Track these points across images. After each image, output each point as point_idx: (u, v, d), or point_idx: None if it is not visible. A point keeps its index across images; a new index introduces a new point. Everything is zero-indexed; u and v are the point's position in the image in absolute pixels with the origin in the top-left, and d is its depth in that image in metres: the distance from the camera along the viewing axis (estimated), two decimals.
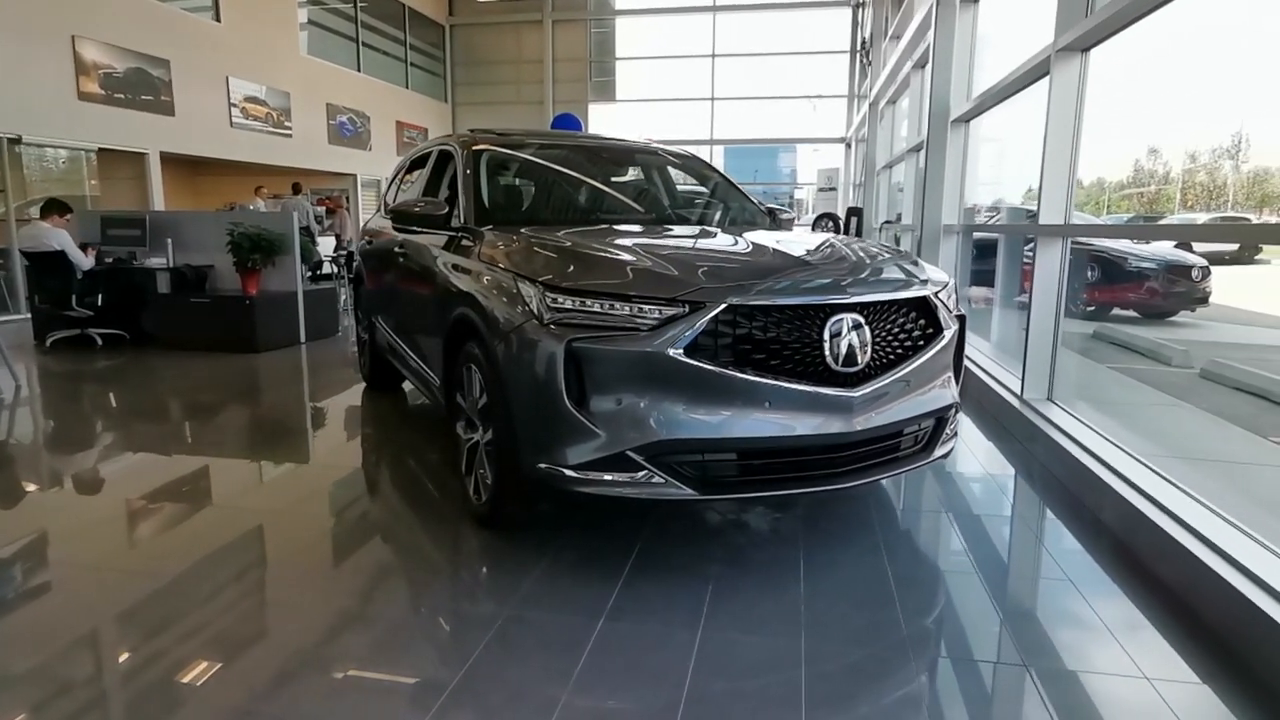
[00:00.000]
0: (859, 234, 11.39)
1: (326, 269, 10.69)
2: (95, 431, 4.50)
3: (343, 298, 8.58)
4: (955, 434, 2.85)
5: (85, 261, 6.65)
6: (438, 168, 3.92)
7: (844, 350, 2.32)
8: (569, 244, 2.71)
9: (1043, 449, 3.62)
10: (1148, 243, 7.12)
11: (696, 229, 3.50)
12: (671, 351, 2.20)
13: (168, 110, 11.32)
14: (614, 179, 4.12)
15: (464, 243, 3.07)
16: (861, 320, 2.37)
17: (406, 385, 5.04)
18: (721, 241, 3.05)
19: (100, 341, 6.86)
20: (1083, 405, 3.88)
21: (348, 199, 16.09)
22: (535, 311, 2.36)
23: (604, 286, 2.33)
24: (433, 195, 3.76)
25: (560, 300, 2.32)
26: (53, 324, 6.93)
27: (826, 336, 2.31)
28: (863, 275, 2.53)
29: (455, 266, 3.02)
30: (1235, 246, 6.86)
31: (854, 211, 12.00)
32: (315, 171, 15.18)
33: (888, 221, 11.26)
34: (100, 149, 10.43)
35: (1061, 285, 3.84)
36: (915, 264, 2.82)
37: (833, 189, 18.13)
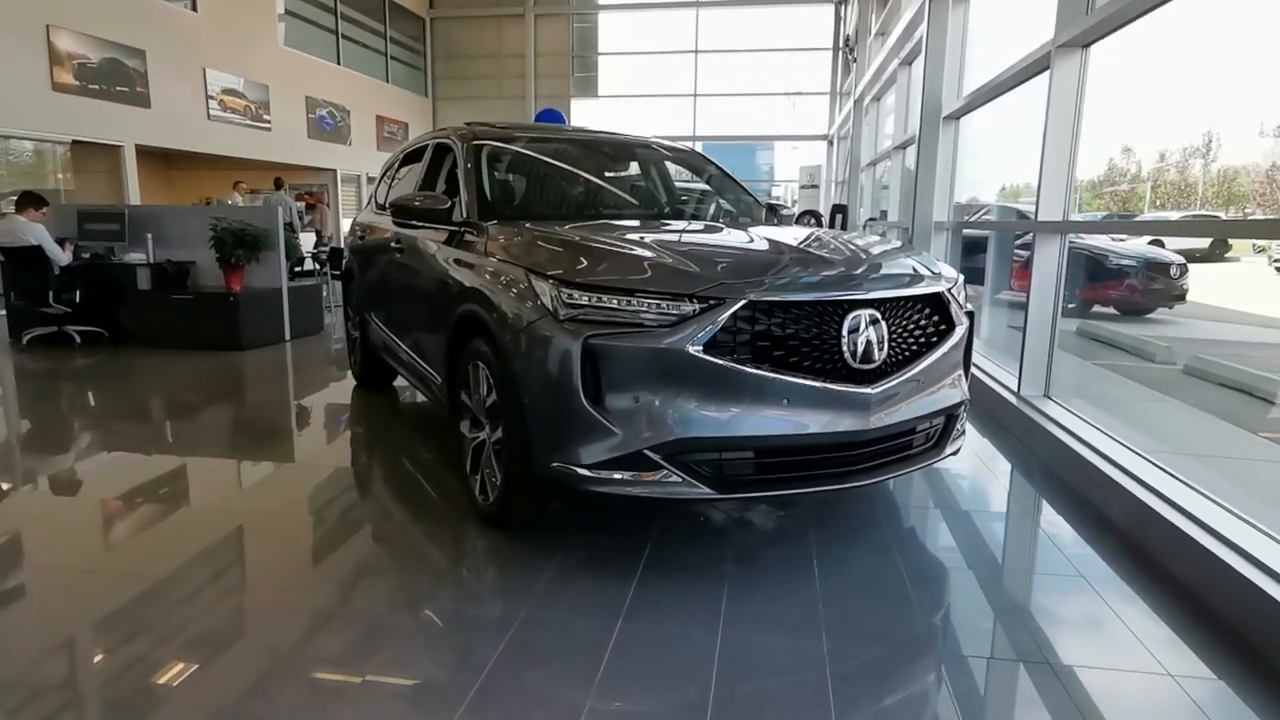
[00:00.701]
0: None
1: (308, 265, 10.53)
2: (74, 432, 4.37)
3: (324, 293, 8.45)
4: (964, 431, 2.85)
5: (62, 257, 6.48)
6: (434, 162, 3.84)
7: (862, 346, 2.30)
8: (579, 239, 2.66)
9: (1042, 445, 3.64)
10: (1125, 240, 7.21)
11: (702, 223, 3.47)
12: (690, 348, 2.17)
13: (143, 102, 11.07)
14: (616, 173, 4.08)
15: (468, 238, 3.01)
16: (879, 316, 2.36)
17: (398, 382, 4.96)
18: (734, 236, 3.02)
19: (78, 339, 6.68)
20: (1079, 402, 3.90)
21: (328, 194, 15.85)
22: (549, 307, 2.31)
23: (621, 282, 2.29)
24: (429, 190, 3.69)
25: (575, 296, 2.28)
26: (29, 321, 6.73)
27: (844, 332, 2.29)
28: (879, 271, 2.52)
29: (459, 262, 2.96)
30: (1207, 245, 6.96)
31: (839, 209, 12.02)
32: (294, 166, 14.92)
33: (872, 219, 11.31)
34: (74, 141, 10.18)
35: (1060, 282, 3.86)
36: (928, 260, 2.81)
37: (814, 186, 18.18)
